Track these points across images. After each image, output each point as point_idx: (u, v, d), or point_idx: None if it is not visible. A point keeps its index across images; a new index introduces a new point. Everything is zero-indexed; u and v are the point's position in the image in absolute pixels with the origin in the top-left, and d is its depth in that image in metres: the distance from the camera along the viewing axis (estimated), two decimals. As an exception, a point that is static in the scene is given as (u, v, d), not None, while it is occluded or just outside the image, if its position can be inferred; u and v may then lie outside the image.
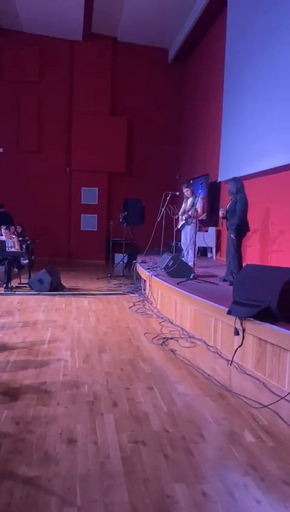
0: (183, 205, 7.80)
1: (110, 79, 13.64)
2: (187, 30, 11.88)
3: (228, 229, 6.16)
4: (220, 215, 6.15)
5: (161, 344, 4.53)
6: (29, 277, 7.93)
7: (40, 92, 13.42)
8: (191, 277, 6.15)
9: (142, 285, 8.02)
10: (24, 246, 8.88)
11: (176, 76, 14.13)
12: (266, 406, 3.01)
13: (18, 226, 10.90)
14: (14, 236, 8.39)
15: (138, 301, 6.94)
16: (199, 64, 12.73)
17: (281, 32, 7.11)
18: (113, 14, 11.93)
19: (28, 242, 9.12)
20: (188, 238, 7.71)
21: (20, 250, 8.20)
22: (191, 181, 9.48)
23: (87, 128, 13.34)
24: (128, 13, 11.79)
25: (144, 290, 7.60)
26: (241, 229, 5.89)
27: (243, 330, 3.81)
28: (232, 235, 5.88)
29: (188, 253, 7.65)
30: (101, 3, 11.28)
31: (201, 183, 7.88)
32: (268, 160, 7.40)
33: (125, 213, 10.19)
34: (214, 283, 5.99)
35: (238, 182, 6.09)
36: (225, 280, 6.14)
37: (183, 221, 7.68)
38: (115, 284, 8.70)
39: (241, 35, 8.92)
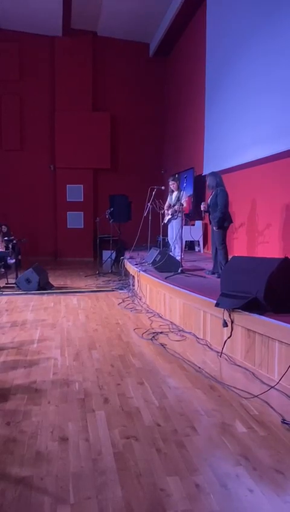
0: (168, 199, 7.79)
1: (92, 74, 13.53)
2: (168, 23, 11.82)
3: (211, 223, 6.20)
4: (202, 209, 6.18)
5: (151, 339, 4.53)
6: (16, 277, 7.87)
7: (21, 89, 13.27)
8: (179, 271, 6.16)
9: (130, 281, 8.02)
10: (10, 246, 8.81)
11: (158, 70, 14.08)
12: (256, 396, 3.04)
13: (3, 226, 10.79)
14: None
15: (127, 297, 6.94)
16: (180, 58, 12.70)
17: (262, 24, 7.12)
18: (92, 8, 11.82)
19: (14, 241, 9.04)
20: (175, 232, 7.72)
21: (5, 250, 8.14)
22: (177, 175, 9.49)
23: (70, 124, 13.24)
24: (107, 8, 11.70)
25: (133, 285, 7.60)
26: (224, 222, 5.92)
27: (232, 322, 3.84)
28: (215, 228, 5.92)
29: (175, 247, 7.66)
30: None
31: (186, 177, 7.87)
32: (252, 151, 7.42)
33: (112, 209, 10.16)
34: (202, 276, 6.02)
35: (217, 176, 6.13)
36: (213, 273, 6.17)
37: (170, 216, 7.68)
38: (103, 281, 8.68)
39: (221, 28, 8.92)
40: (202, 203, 6.22)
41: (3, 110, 13.18)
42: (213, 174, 6.20)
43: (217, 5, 9.18)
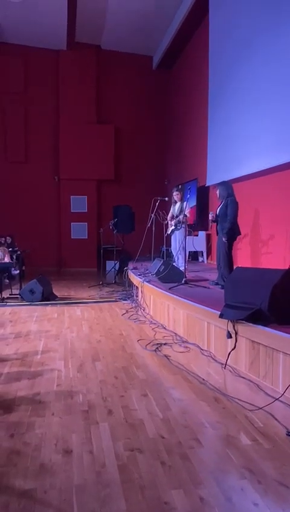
0: (171, 210, 7.82)
1: (96, 87, 13.72)
2: (171, 37, 12.02)
3: (218, 233, 6.19)
4: (210, 218, 6.17)
5: (155, 350, 4.52)
6: (20, 287, 7.89)
7: (26, 102, 13.45)
8: (182, 282, 6.16)
9: (134, 291, 8.02)
10: (14, 257, 8.85)
11: (162, 82, 14.25)
12: (260, 408, 3.02)
13: (7, 237, 10.87)
14: (5, 248, 8.36)
15: (131, 308, 6.94)
16: (183, 70, 12.84)
17: (264, 36, 7.20)
18: (96, 22, 12.03)
19: (18, 252, 9.09)
20: (178, 243, 7.73)
21: (10, 261, 8.17)
22: (180, 186, 9.54)
23: (75, 136, 13.38)
24: (111, 21, 11.90)
25: (136, 296, 7.59)
26: (233, 233, 5.91)
27: (236, 333, 3.82)
28: (223, 239, 5.90)
29: (178, 258, 7.67)
30: (85, 12, 11.35)
31: (189, 188, 7.91)
32: (255, 162, 7.47)
33: (115, 220, 10.21)
34: (205, 287, 6.01)
35: (229, 185, 6.13)
36: (216, 284, 6.16)
37: (173, 227, 7.70)
38: (107, 292, 8.68)
39: (224, 40, 9.03)
40: (210, 213, 6.22)
41: (9, 122, 13.34)
42: (224, 183, 6.20)
43: (219, 18, 9.30)
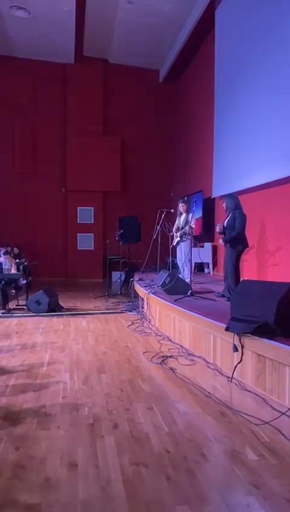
0: (176, 221, 7.85)
1: (103, 100, 13.86)
2: (177, 50, 12.17)
3: (225, 245, 6.20)
4: (217, 230, 6.19)
5: (161, 363, 4.51)
6: (27, 298, 7.91)
7: (34, 114, 13.61)
8: (188, 294, 6.15)
9: (140, 303, 8.02)
10: (21, 268, 8.90)
11: (168, 95, 14.39)
12: (267, 423, 3.00)
13: (15, 248, 10.94)
14: (12, 259, 8.41)
15: (136, 319, 6.93)
16: (189, 83, 12.97)
17: (269, 49, 7.28)
18: (104, 37, 12.21)
19: (25, 263, 9.13)
20: (184, 254, 7.75)
21: (16, 272, 8.21)
22: (186, 197, 9.59)
23: (81, 148, 13.50)
24: (119, 36, 12.08)
25: (142, 308, 7.59)
26: (240, 244, 5.92)
27: (242, 346, 3.81)
28: (220, 241, 5.92)
29: (184, 270, 7.67)
30: (92, 26, 11.53)
31: (195, 200, 7.94)
32: (261, 174, 7.49)
33: (121, 231, 10.25)
34: (211, 299, 6.00)
35: (236, 198, 6.15)
36: (222, 296, 6.14)
37: (178, 238, 7.72)
38: (112, 303, 8.69)
39: (229, 54, 9.13)
40: (218, 225, 6.24)
41: (17, 134, 13.50)
42: (231, 196, 6.24)
43: (225, 32, 9.41)
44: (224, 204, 6.23)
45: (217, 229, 6.18)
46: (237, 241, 5.88)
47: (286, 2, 6.73)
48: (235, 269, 5.92)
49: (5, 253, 8.18)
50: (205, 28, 10.60)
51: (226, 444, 2.74)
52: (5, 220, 12.92)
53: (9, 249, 9.22)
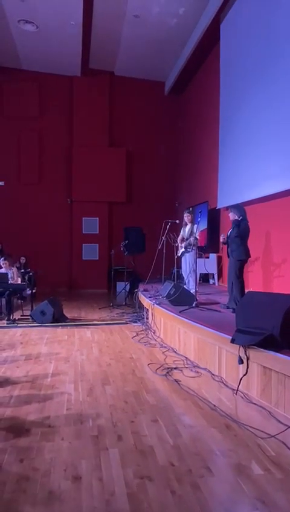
0: (181, 232, 7.86)
1: (109, 112, 14.01)
2: (182, 63, 12.29)
3: (229, 256, 6.20)
4: (221, 241, 6.21)
5: (165, 375, 4.49)
6: (32, 308, 7.92)
7: (40, 126, 13.76)
8: (193, 305, 6.14)
9: (144, 314, 8.00)
10: (26, 278, 8.92)
11: (173, 107, 14.52)
12: (273, 436, 2.97)
13: (22, 257, 10.99)
14: (13, 267, 8.43)
15: (141, 330, 6.91)
16: (195, 95, 13.07)
17: (274, 61, 7.33)
18: (110, 49, 12.37)
19: (31, 274, 9.16)
20: (188, 265, 7.74)
21: (19, 282, 8.22)
22: (191, 208, 9.61)
23: (87, 159, 13.61)
24: (125, 49, 12.24)
25: (147, 318, 7.57)
26: (240, 253, 5.93)
27: (247, 358, 3.79)
28: (222, 237, 5.95)
29: (189, 280, 7.66)
30: (98, 40, 11.69)
31: (200, 211, 7.96)
32: (266, 186, 7.51)
33: (126, 241, 10.26)
34: (216, 310, 5.98)
35: (241, 208, 6.18)
36: (228, 307, 6.13)
37: (183, 249, 7.73)
38: (117, 313, 8.68)
39: (234, 67, 9.21)
40: (222, 235, 6.27)
41: (23, 145, 13.64)
42: (237, 206, 6.28)
43: (230, 46, 9.51)
44: (230, 215, 6.24)
45: (221, 239, 6.21)
46: (240, 250, 5.89)
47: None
48: (239, 280, 5.92)
49: (4, 260, 8.19)
50: (210, 41, 10.72)
51: (232, 458, 2.71)
52: (11, 230, 12.98)
53: (14, 256, 9.23)
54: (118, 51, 12.48)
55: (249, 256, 6.10)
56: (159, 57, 12.55)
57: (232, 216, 6.14)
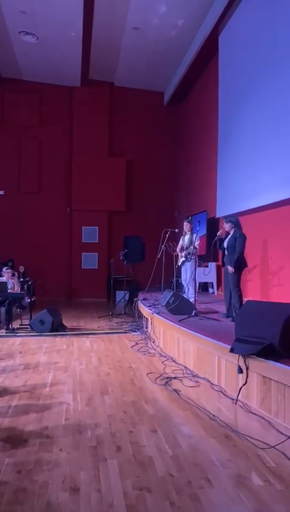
0: (180, 241, 7.87)
1: (108, 122, 14.11)
2: (181, 74, 12.40)
3: (223, 265, 6.24)
4: (218, 234, 6.24)
5: (165, 384, 4.47)
6: (31, 317, 7.90)
7: (41, 136, 13.85)
8: (192, 314, 6.13)
9: (144, 323, 7.98)
10: (25, 287, 8.90)
11: (172, 117, 14.61)
12: (273, 447, 2.94)
13: (21, 266, 10.98)
14: (14, 277, 8.43)
15: (140, 340, 6.89)
16: (194, 105, 13.17)
17: (273, 72, 7.40)
18: (110, 61, 12.49)
19: (30, 282, 9.15)
20: (188, 274, 7.74)
21: (19, 291, 8.21)
22: (190, 217, 9.63)
23: (87, 169, 13.67)
24: (124, 60, 12.36)
25: (146, 328, 7.55)
26: (239, 264, 5.96)
27: (247, 368, 3.77)
28: (229, 268, 5.94)
29: (188, 289, 7.66)
30: (98, 51, 11.80)
31: (199, 221, 7.98)
32: (264, 196, 7.54)
33: (126, 250, 10.27)
34: (216, 319, 5.97)
35: (235, 220, 6.22)
36: (227, 316, 6.12)
37: (183, 258, 7.73)
38: (116, 323, 8.65)
39: (233, 77, 9.29)
40: (219, 231, 6.32)
41: (23, 154, 13.72)
42: (231, 217, 6.33)
43: (228, 56, 9.61)
44: (225, 226, 6.28)
45: (219, 233, 6.24)
46: (238, 262, 5.93)
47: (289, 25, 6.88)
48: (236, 289, 5.93)
49: (7, 269, 8.19)
50: (208, 52, 10.83)
51: (231, 469, 2.69)
52: (10, 239, 12.99)
53: (11, 264, 9.22)
54: (118, 62, 12.61)
55: (246, 266, 6.16)
56: (158, 67, 12.67)
57: (229, 228, 6.18)
